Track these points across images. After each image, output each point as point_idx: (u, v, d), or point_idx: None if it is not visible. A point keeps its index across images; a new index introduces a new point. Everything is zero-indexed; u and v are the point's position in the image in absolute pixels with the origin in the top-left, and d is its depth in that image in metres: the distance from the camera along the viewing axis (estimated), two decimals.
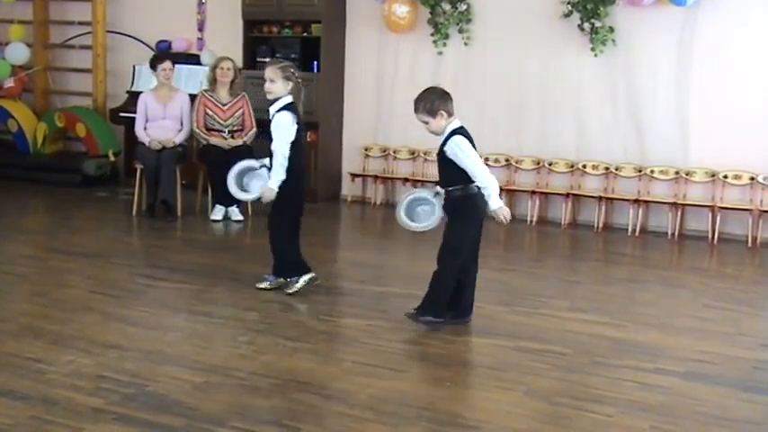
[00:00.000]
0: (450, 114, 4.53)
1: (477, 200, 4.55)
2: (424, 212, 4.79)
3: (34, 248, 6.52)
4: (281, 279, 5.37)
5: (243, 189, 5.32)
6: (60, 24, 10.15)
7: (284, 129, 5.09)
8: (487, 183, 4.50)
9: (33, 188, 9.05)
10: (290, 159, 5.11)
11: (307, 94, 8.56)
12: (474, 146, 4.56)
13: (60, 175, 9.29)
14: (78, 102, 9.97)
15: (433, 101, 4.50)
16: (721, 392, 3.90)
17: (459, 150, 4.48)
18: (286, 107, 5.14)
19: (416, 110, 4.55)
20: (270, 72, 5.14)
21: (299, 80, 5.24)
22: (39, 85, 10.17)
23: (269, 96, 5.17)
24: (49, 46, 10.23)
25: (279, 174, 5.09)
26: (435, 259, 4.65)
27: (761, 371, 4.25)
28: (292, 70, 5.20)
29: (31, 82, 10.09)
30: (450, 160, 4.51)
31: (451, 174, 4.55)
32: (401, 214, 4.83)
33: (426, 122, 4.55)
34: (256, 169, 5.30)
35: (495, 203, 4.53)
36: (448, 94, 4.56)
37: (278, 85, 5.13)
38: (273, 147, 5.11)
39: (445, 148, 4.52)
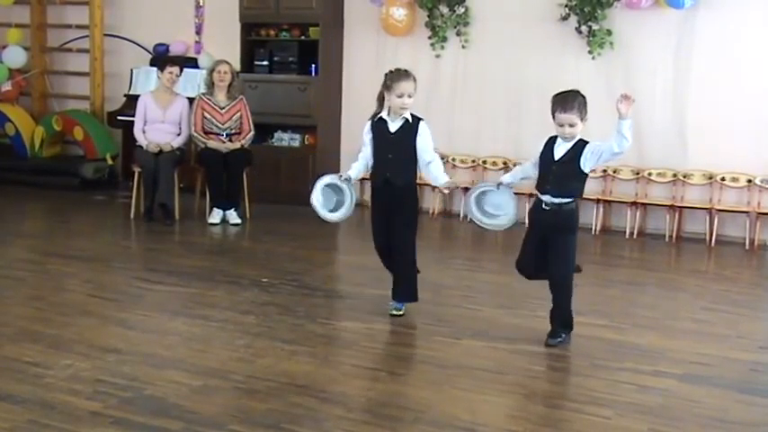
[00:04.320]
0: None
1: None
2: (494, 206, 4.68)
3: (32, 252, 6.51)
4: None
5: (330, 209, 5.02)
6: (58, 28, 10.14)
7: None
8: None
9: (31, 192, 9.04)
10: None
11: (305, 98, 8.73)
12: None
13: (58, 178, 9.29)
14: (76, 105, 9.96)
15: (586, 105, 4.34)
16: (719, 394, 3.90)
17: (594, 158, 4.38)
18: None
19: (569, 109, 4.30)
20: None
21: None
22: (36, 88, 10.16)
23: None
24: (47, 49, 10.22)
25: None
26: (553, 282, 4.46)
27: (759, 373, 4.25)
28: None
29: (29, 85, 10.08)
30: (581, 171, 4.36)
31: (575, 185, 4.41)
32: (474, 212, 4.71)
33: (574, 125, 4.33)
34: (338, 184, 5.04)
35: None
36: None
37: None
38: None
39: (584, 156, 4.36)
